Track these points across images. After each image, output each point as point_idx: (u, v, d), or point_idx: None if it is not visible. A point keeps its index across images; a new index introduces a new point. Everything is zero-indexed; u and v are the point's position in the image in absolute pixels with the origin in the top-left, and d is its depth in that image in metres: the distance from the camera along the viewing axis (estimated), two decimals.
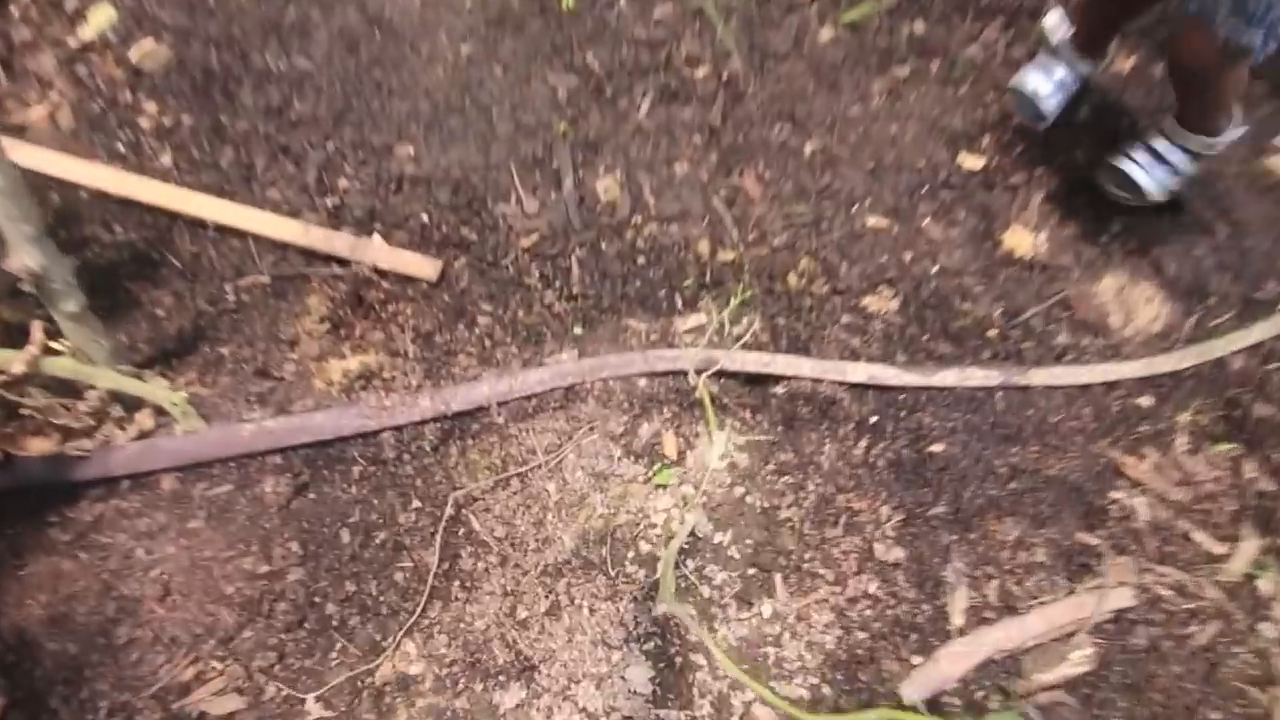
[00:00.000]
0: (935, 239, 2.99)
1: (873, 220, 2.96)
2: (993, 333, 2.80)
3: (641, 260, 2.53)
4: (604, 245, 2.52)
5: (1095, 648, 2.15)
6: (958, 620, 2.40)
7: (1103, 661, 2.09)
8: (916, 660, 2.32)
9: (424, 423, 2.24)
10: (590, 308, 2.47)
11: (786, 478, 2.48)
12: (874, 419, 2.60)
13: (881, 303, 2.85)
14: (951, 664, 2.37)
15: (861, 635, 2.31)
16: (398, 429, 2.24)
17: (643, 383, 2.55)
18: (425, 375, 2.30)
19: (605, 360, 2.49)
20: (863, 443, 2.57)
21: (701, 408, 2.37)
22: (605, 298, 2.48)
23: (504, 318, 2.55)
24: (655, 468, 2.22)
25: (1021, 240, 3.05)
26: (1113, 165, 2.91)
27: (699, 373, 2.18)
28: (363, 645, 2.07)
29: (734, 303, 2.43)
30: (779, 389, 2.60)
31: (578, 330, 2.63)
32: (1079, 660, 2.40)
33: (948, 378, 2.68)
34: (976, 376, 2.69)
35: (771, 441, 2.54)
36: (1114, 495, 2.34)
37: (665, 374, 2.55)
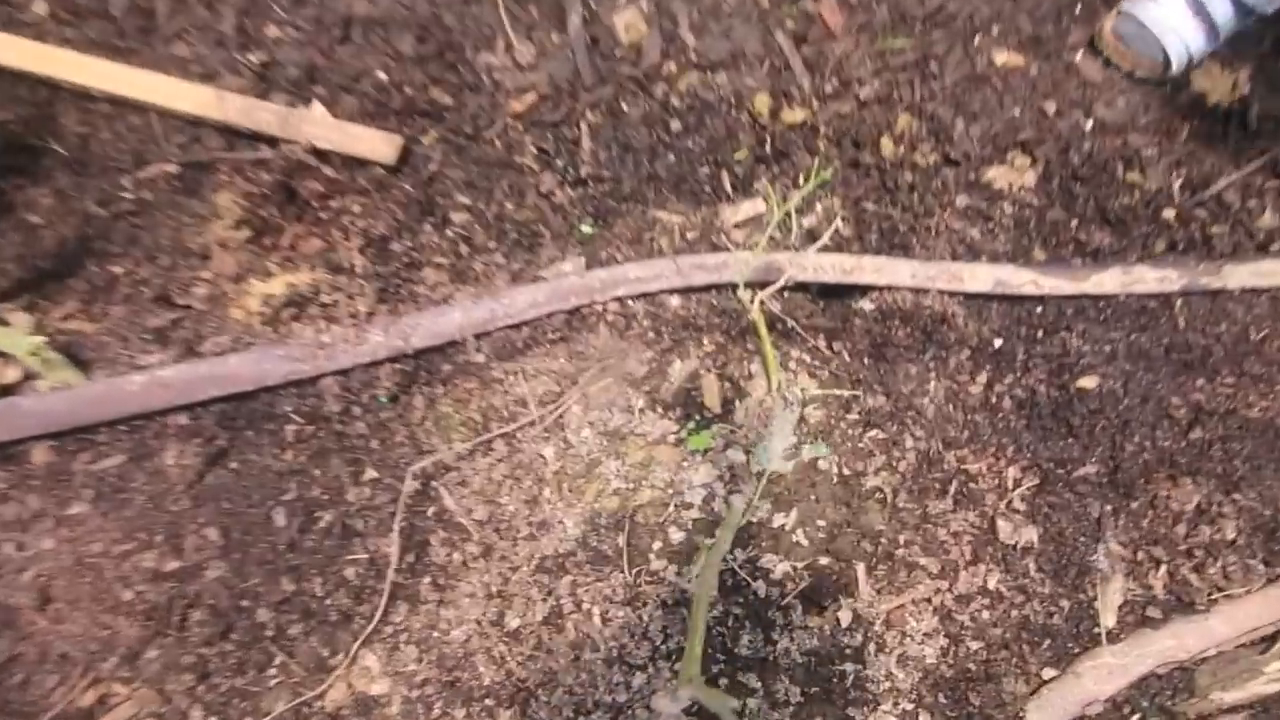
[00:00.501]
0: (1091, 79, 2.15)
1: (1002, 57, 2.13)
2: (1170, 214, 2.01)
3: (676, 126, 2.05)
4: (625, 106, 2.05)
5: None
6: (1109, 621, 1.77)
7: None
8: (1049, 674, 1.70)
9: (378, 364, 1.67)
10: (605, 196, 2.05)
11: (875, 431, 1.81)
12: (999, 343, 1.88)
13: (1013, 175, 2.05)
14: (1098, 680, 1.75)
15: (975, 645, 1.70)
16: (343, 374, 1.67)
17: (675, 302, 1.86)
18: (379, 299, 1.68)
19: (623, 271, 1.81)
20: (982, 377, 1.86)
21: (757, 337, 1.67)
22: (626, 181, 2.05)
23: (486, 214, 1.88)
24: (691, 424, 1.76)
25: (1216, 82, 2.16)
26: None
27: (754, 287, 1.63)
28: (307, 661, 1.59)
29: (805, 183, 1.67)
30: (866, 305, 1.89)
31: (586, 228, 1.93)
32: (1278, 674, 1.77)
33: (1106, 281, 1.92)
34: (1147, 279, 1.92)
35: (855, 380, 1.84)
36: None
37: (706, 289, 1.86)
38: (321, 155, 1.91)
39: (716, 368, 1.80)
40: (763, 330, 1.66)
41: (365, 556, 1.70)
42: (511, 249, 1.93)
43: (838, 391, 1.80)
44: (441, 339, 1.76)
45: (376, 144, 1.97)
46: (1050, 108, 2.15)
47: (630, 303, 1.85)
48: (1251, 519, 1.82)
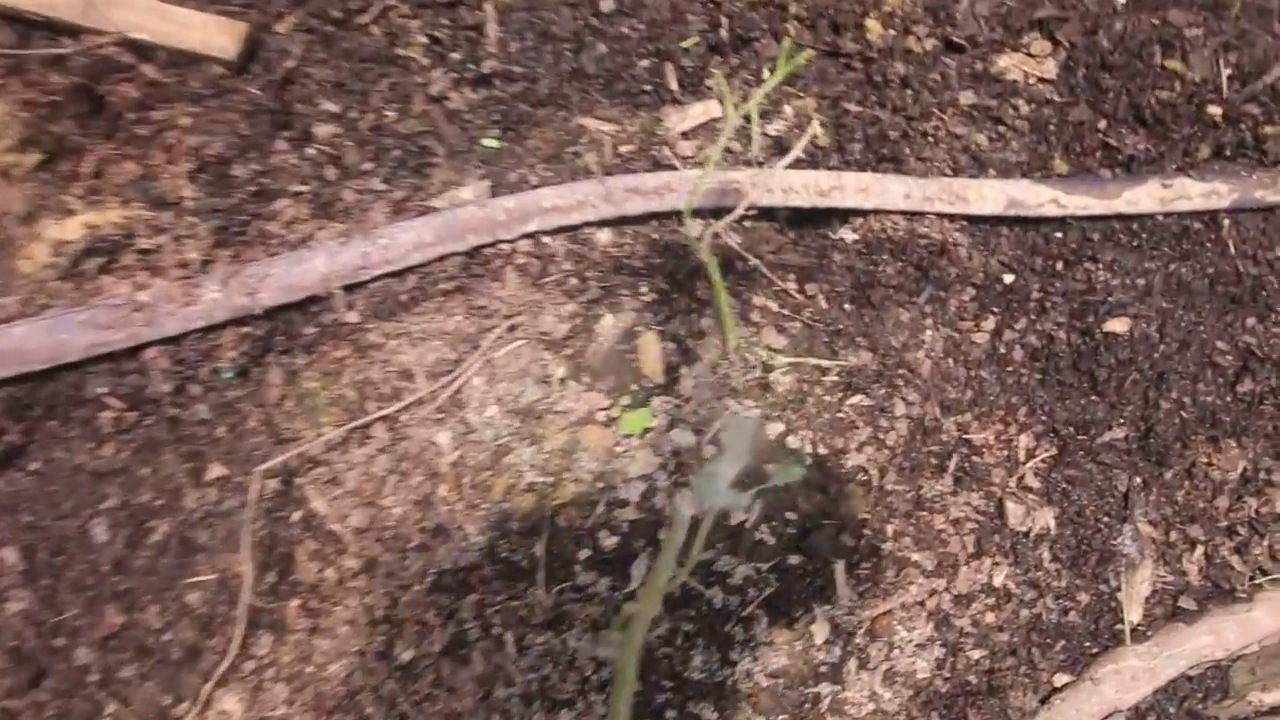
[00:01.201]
0: None
1: None
2: (1216, 111, 1.64)
3: (608, 3, 1.68)
4: None
5: None
6: (1134, 615, 1.49)
7: None
8: (1063, 681, 1.42)
9: (218, 329, 1.25)
10: (516, 99, 1.62)
11: (858, 397, 1.46)
12: (1010, 279, 1.53)
13: (1029, 65, 1.65)
14: (1120, 686, 1.48)
15: (977, 654, 1.40)
16: (172, 343, 1.25)
17: (605, 238, 1.46)
18: (216, 242, 1.27)
19: (538, 198, 1.41)
20: (989, 323, 1.51)
21: (709, 282, 1.28)
22: (543, 79, 1.64)
23: (360, 125, 1.47)
24: (626, 399, 1.46)
25: None
26: None
27: (705, 215, 1.38)
28: (146, 710, 1.23)
29: (770, 77, 1.25)
30: (848, 235, 1.50)
31: (491, 142, 1.51)
32: None
33: (1141, 198, 1.56)
34: (1191, 193, 1.56)
35: (834, 332, 1.47)
36: None
37: (645, 219, 1.47)
38: (139, 50, 1.46)
39: (658, 324, 1.42)
40: (715, 274, 1.27)
41: (213, 577, 1.35)
42: (393, 171, 1.50)
43: (814, 361, 1.42)
44: (301, 293, 1.37)
45: (213, 33, 1.51)
46: None
47: (547, 240, 1.44)
48: None
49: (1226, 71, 1.74)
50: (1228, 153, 1.68)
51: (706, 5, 1.66)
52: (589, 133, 1.58)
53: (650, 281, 1.44)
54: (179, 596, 1.34)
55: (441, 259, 1.41)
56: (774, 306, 1.45)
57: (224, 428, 1.37)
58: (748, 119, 1.56)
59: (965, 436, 1.46)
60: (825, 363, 1.45)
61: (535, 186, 1.48)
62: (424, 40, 1.62)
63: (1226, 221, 1.62)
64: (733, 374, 1.36)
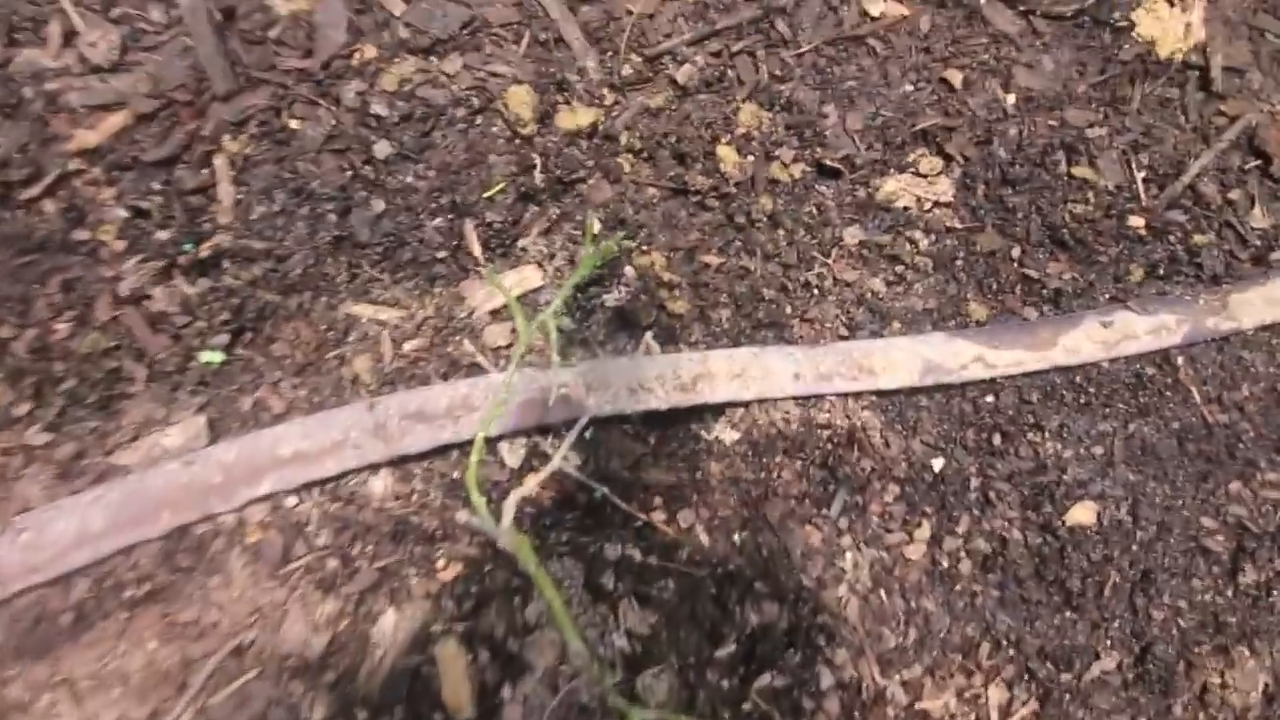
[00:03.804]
0: (1004, 30, 1.46)
1: (878, 6, 1.41)
2: (1138, 222, 1.40)
3: (385, 149, 1.32)
4: (291, 123, 1.37)
5: None
6: None
7: None
8: None
9: None
10: (254, 285, 1.21)
11: (768, 677, 1.02)
12: (939, 465, 1.18)
13: (919, 187, 1.34)
14: None
15: None
16: None
17: (379, 488, 1.01)
18: None
19: (273, 441, 0.94)
20: (923, 530, 1.13)
21: (523, 578, 0.83)
22: (295, 252, 1.27)
23: (14, 346, 0.97)
24: None
25: (1166, 25, 1.54)
26: None
27: (520, 439, 1.11)
28: None
29: (571, 275, 0.84)
30: (727, 434, 1.12)
31: (213, 355, 1.06)
32: None
33: (1080, 343, 1.25)
34: (1136, 331, 1.27)
35: (721, 577, 1.05)
36: None
37: (438, 453, 1.01)
38: None
39: (463, 620, 0.95)
40: (532, 563, 0.83)
41: None
42: (62, 414, 1.02)
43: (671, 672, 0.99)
44: None
45: None
46: (956, 79, 1.44)
47: (292, 502, 0.97)
48: None
49: (1140, 175, 1.48)
50: (1161, 271, 1.40)
51: (513, 142, 1.28)
52: (361, 325, 1.14)
53: (450, 550, 0.99)
54: None
55: (128, 551, 0.93)
56: (636, 556, 1.02)
57: None
58: (578, 289, 1.17)
59: (918, 706, 1.05)
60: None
61: (279, 417, 1.03)
62: (121, 216, 1.17)
63: (1181, 360, 1.31)
64: (581, 689, 0.92)
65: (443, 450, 1.01)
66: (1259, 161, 1.52)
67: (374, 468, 0.99)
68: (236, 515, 0.96)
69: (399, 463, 1.00)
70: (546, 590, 0.82)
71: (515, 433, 1.03)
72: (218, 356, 1.07)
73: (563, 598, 0.92)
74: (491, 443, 1.04)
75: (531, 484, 0.81)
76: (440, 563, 0.96)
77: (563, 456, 0.82)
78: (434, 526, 0.98)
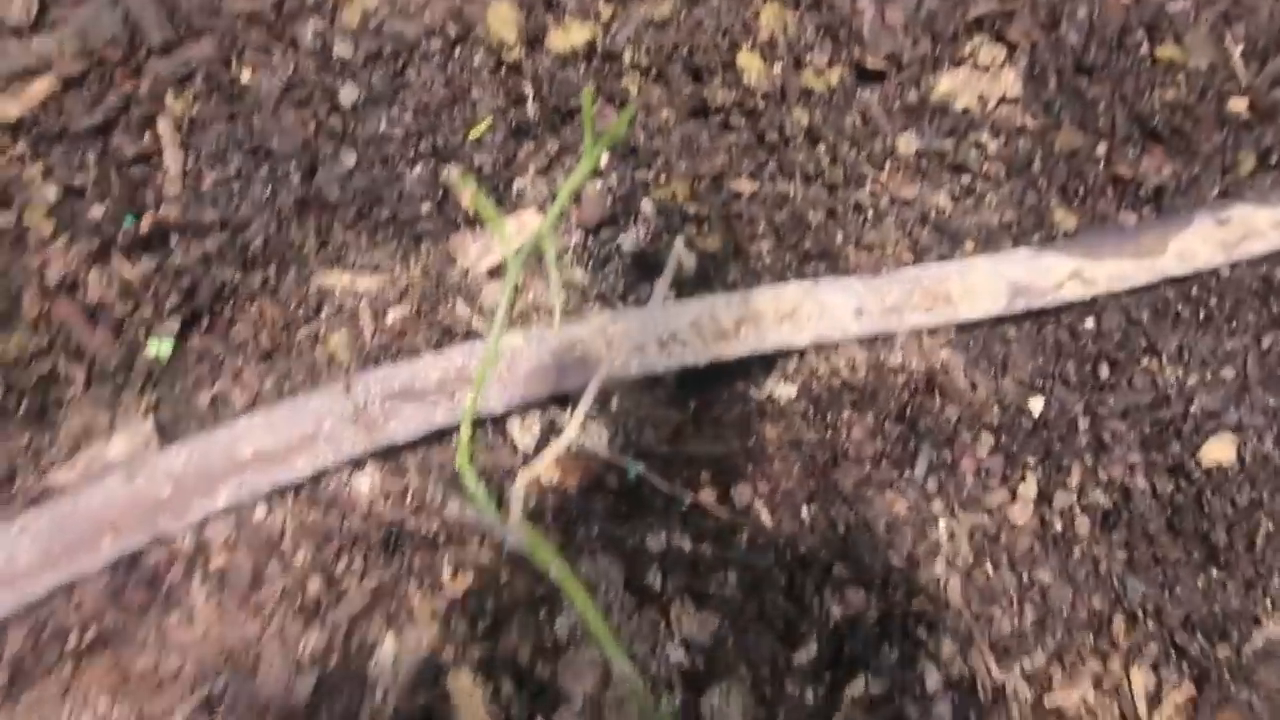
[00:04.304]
0: None
1: None
2: (1240, 104, 1.15)
3: (352, 93, 1.11)
4: (242, 73, 1.16)
5: None
6: None
7: None
8: None
9: None
10: (208, 261, 1.01)
11: (858, 684, 0.82)
12: (1039, 407, 0.97)
13: (981, 83, 1.14)
14: None
15: None
16: None
17: (366, 486, 0.82)
18: None
19: (231, 440, 0.76)
20: (1028, 486, 0.92)
21: (550, 586, 0.64)
22: (255, 219, 1.05)
23: None
24: None
25: None
26: None
27: (521, 415, 0.87)
28: None
29: (581, 167, 0.63)
30: (781, 390, 0.91)
31: (161, 346, 0.88)
32: None
33: (1194, 246, 1.03)
34: (1257, 225, 1.05)
35: (792, 563, 0.85)
36: None
37: (432, 439, 0.82)
38: None
39: (479, 645, 0.76)
40: (562, 572, 0.64)
41: None
42: None
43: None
44: None
45: None
46: None
47: (261, 511, 0.80)
48: None
49: (1237, 50, 1.26)
50: (1275, 159, 1.18)
51: (498, 72, 1.09)
52: (335, 297, 0.96)
53: (454, 554, 0.81)
54: None
55: (65, 589, 0.76)
56: (686, 546, 0.84)
57: None
58: (589, 232, 0.99)
59: (1048, 702, 0.86)
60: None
61: (246, 410, 0.85)
62: (51, 195, 0.99)
63: None
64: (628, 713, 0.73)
65: (439, 435, 0.83)
66: None
67: (357, 462, 0.81)
68: (194, 535, 0.78)
69: (387, 454, 0.82)
70: (577, 598, 0.64)
71: (526, 406, 0.85)
72: (167, 347, 0.90)
73: (600, 605, 0.74)
74: (499, 421, 0.86)
75: (543, 463, 0.62)
76: (447, 573, 0.78)
77: (580, 425, 0.64)
78: (435, 529, 0.80)
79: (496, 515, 0.59)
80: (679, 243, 0.60)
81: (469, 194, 0.55)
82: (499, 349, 0.85)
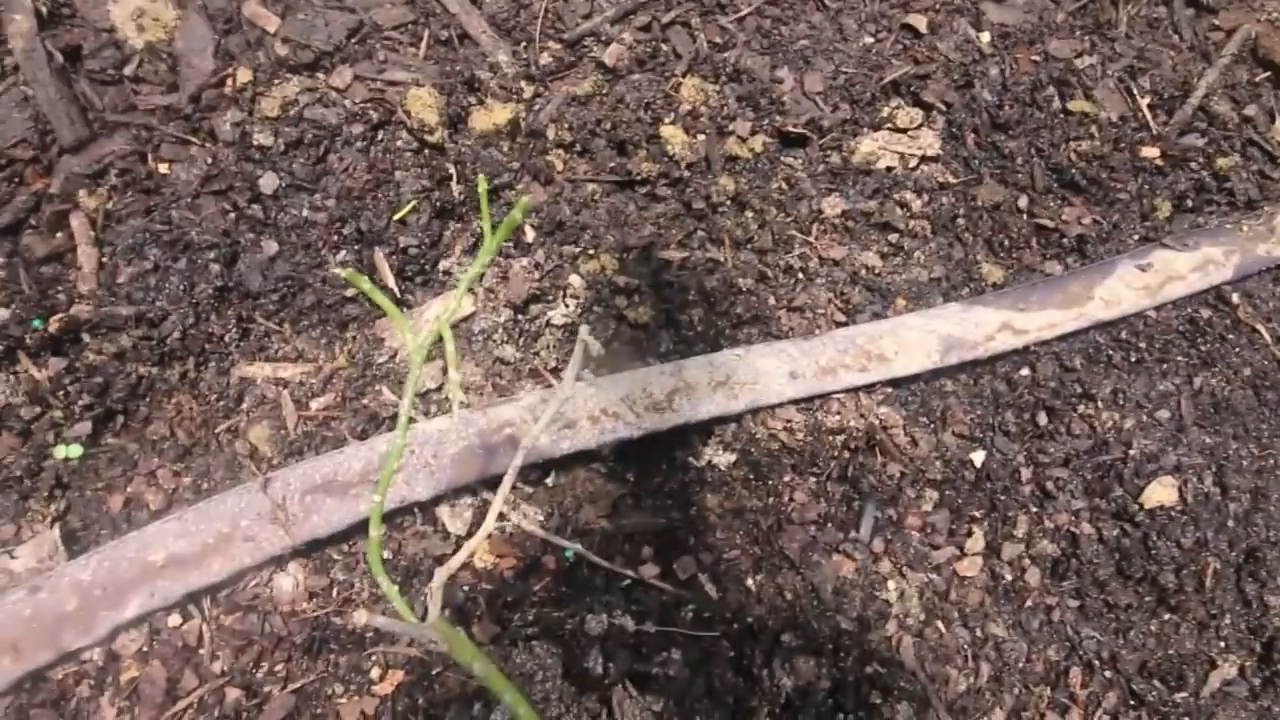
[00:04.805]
0: None
1: None
2: (1153, 153, 1.17)
3: (271, 182, 1.09)
4: (160, 167, 1.15)
5: None
6: None
7: None
8: None
9: None
10: (121, 360, 0.98)
11: None
12: (980, 458, 0.94)
13: (900, 144, 1.15)
14: None
15: None
16: None
17: (288, 586, 0.78)
18: None
19: (141, 546, 0.72)
20: (975, 539, 0.90)
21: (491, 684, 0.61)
22: (173, 312, 1.04)
23: None
24: None
25: None
26: None
27: (455, 502, 0.85)
28: None
29: (484, 252, 0.61)
30: (720, 457, 0.88)
31: (70, 449, 0.83)
32: None
33: (1118, 291, 1.04)
34: (1179, 269, 1.06)
35: (738, 642, 0.82)
36: None
37: (352, 533, 0.78)
38: None
39: None
40: (485, 667, 0.60)
41: None
42: None
43: None
44: None
45: None
46: (920, 23, 1.27)
47: (175, 619, 0.75)
48: None
49: (1145, 101, 1.31)
50: (1190, 202, 1.22)
51: (421, 154, 1.09)
52: (256, 388, 0.93)
53: (387, 656, 0.76)
54: None
55: None
56: (628, 625, 0.80)
57: None
58: (517, 309, 0.97)
59: None
60: None
61: (159, 514, 0.82)
62: None
63: (1236, 296, 1.12)
64: None
65: (365, 526, 0.80)
66: (1268, 73, 1.35)
67: (278, 561, 0.78)
68: (103, 648, 0.73)
69: (310, 550, 0.79)
70: (507, 694, 0.60)
71: (456, 490, 0.82)
72: (76, 450, 0.86)
73: (537, 696, 0.70)
74: (427, 507, 0.83)
75: (465, 554, 0.59)
76: (375, 672, 0.74)
77: (503, 508, 0.61)
78: (362, 627, 0.76)
79: (409, 612, 0.56)
80: (584, 330, 0.59)
81: (365, 288, 0.54)
82: (426, 432, 0.83)
